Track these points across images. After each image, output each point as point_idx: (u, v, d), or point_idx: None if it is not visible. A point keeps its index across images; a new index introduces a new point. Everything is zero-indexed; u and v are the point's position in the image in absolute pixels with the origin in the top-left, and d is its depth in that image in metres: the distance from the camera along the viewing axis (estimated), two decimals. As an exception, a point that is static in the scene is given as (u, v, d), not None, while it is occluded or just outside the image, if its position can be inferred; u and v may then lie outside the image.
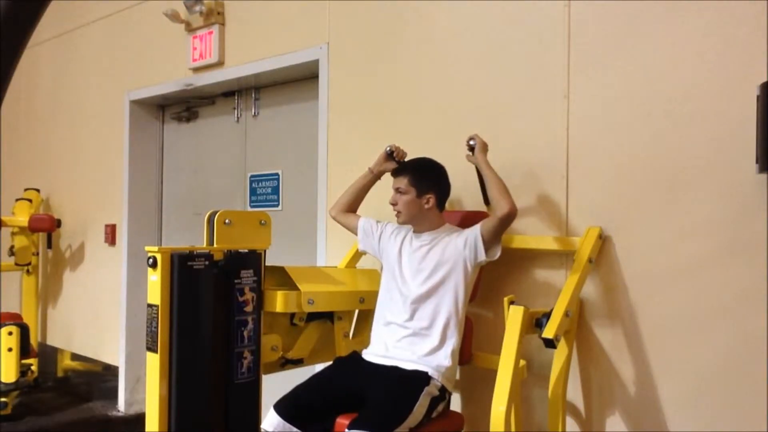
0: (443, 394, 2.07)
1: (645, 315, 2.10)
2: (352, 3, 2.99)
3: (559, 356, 2.13)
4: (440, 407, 2.06)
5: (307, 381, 2.11)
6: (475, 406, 2.45)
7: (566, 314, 1.96)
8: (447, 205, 2.49)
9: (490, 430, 1.83)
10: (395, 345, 2.16)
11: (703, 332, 1.98)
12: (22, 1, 0.59)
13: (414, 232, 2.31)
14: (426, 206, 2.23)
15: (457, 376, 2.28)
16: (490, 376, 1.94)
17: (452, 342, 2.12)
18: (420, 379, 2.02)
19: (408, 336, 2.14)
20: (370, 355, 2.20)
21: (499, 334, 2.03)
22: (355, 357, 2.23)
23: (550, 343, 1.91)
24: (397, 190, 2.26)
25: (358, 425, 1.83)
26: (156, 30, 4.00)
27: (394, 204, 2.27)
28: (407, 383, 2.01)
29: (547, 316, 1.97)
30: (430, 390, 2.01)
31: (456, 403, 2.47)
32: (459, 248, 2.16)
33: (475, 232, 2.14)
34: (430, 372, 2.05)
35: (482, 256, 2.14)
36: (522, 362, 2.08)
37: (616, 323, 2.15)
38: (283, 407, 1.99)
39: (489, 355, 2.32)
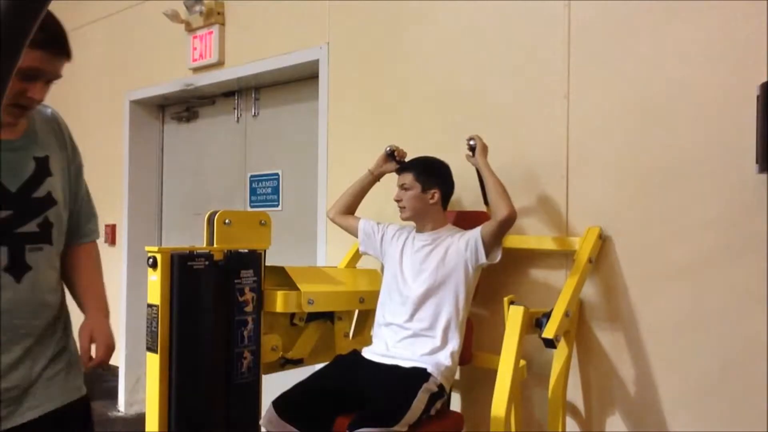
0: (442, 392, 2.07)
1: (645, 315, 2.10)
2: (352, 3, 2.99)
3: (559, 356, 2.13)
4: (439, 404, 2.06)
5: (307, 380, 2.11)
6: (475, 406, 2.45)
7: (566, 314, 1.96)
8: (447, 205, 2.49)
9: (490, 430, 1.83)
10: (395, 345, 2.16)
11: (703, 332, 1.98)
12: (22, 1, 0.58)
13: (416, 231, 2.31)
14: (431, 201, 2.25)
15: (457, 376, 2.28)
16: (490, 376, 1.94)
17: (453, 344, 2.12)
18: (419, 375, 2.02)
19: (408, 337, 2.14)
20: (370, 353, 2.20)
21: (499, 334, 2.03)
22: (356, 356, 2.23)
23: (550, 343, 1.91)
24: (402, 186, 2.27)
25: (358, 424, 1.83)
26: (156, 30, 4.00)
27: (398, 200, 2.28)
28: (405, 380, 2.02)
29: (547, 316, 1.98)
30: (429, 386, 2.00)
31: (456, 403, 2.47)
32: (461, 250, 2.16)
33: (475, 235, 2.15)
34: (429, 369, 2.05)
35: (483, 259, 2.14)
36: (522, 362, 2.08)
37: (616, 323, 2.15)
38: (282, 406, 1.99)
39: (489, 355, 2.32)
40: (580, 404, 2.24)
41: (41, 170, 1.41)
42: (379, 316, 2.27)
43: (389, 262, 2.32)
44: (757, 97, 1.79)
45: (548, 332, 1.91)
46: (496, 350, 2.00)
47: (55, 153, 1.47)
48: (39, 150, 1.42)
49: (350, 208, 2.49)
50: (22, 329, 1.36)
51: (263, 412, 2.07)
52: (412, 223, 2.35)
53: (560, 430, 2.09)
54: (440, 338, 2.11)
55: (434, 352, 2.10)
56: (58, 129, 1.52)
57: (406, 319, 2.16)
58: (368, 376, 2.09)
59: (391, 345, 2.17)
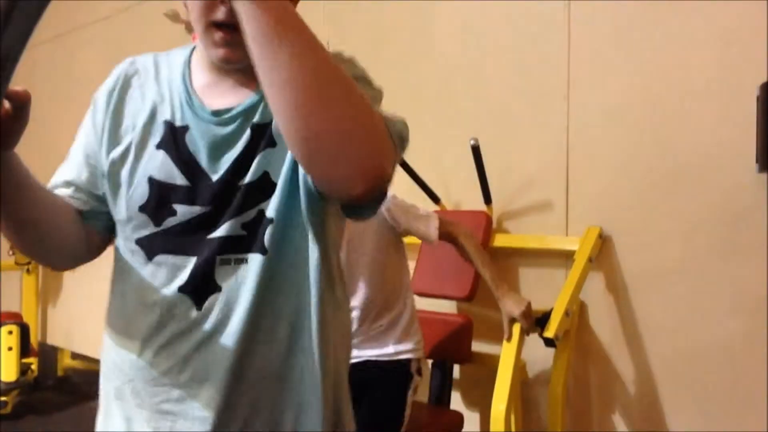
0: (419, 372, 1.97)
1: (645, 315, 2.10)
2: (351, 3, 2.98)
3: (559, 356, 2.12)
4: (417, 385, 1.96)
5: None
6: (475, 406, 2.45)
7: (566, 314, 1.96)
8: (447, 205, 2.49)
9: (490, 430, 1.83)
10: (360, 344, 1.96)
11: (703, 332, 1.98)
12: (23, 1, 0.58)
13: None
14: None
15: (457, 376, 2.28)
16: (490, 376, 1.94)
17: (405, 316, 1.98)
18: (402, 374, 1.92)
19: (367, 340, 1.96)
20: None
21: (499, 334, 2.03)
22: None
23: (550, 343, 1.91)
24: None
25: None
26: (156, 30, 3.99)
27: None
28: (390, 386, 1.91)
29: (547, 315, 1.98)
30: (415, 383, 1.93)
31: (456, 403, 2.47)
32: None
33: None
34: (411, 355, 1.94)
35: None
36: (522, 362, 2.08)
37: (616, 323, 2.15)
38: None
39: (489, 355, 2.32)
40: (580, 404, 2.24)
41: (256, 141, 0.88)
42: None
43: None
44: (757, 97, 1.79)
45: (548, 332, 1.91)
46: (496, 350, 2.00)
47: None
48: (261, 115, 0.89)
49: None
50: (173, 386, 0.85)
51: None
52: None
53: (560, 430, 2.09)
54: (404, 323, 1.97)
55: (401, 340, 1.95)
56: None
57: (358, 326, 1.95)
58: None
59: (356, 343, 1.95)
